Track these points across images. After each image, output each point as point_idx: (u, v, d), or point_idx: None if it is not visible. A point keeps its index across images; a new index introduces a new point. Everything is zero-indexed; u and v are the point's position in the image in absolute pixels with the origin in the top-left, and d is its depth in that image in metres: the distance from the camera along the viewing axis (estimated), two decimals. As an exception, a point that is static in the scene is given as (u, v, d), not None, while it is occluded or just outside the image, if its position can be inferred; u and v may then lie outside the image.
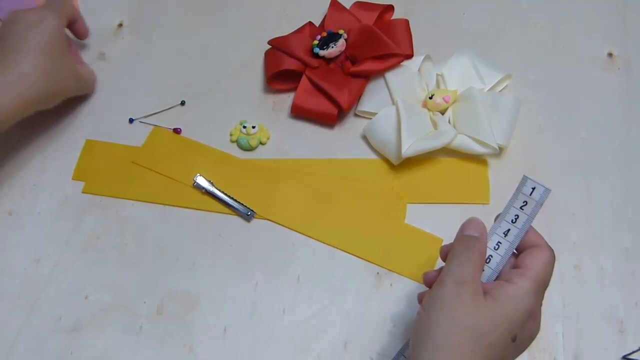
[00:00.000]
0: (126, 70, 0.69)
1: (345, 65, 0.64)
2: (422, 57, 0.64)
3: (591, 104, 0.64)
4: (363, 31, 0.64)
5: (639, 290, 0.55)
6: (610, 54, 0.67)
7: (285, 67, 0.64)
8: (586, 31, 0.69)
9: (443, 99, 0.61)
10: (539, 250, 0.43)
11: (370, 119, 0.62)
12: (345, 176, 0.61)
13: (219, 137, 0.64)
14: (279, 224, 0.59)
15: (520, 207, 0.45)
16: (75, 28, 0.67)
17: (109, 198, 0.62)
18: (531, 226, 0.45)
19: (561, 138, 0.62)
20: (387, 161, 0.62)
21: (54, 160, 0.63)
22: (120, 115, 0.66)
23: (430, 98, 0.61)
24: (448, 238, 0.47)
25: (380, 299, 0.55)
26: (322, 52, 0.64)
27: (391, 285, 0.56)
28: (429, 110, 0.62)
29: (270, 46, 0.67)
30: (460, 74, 0.63)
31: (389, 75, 0.64)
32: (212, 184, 0.61)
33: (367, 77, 0.64)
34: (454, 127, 0.60)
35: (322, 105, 0.63)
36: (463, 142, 0.59)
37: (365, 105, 0.64)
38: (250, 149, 0.63)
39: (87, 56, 0.70)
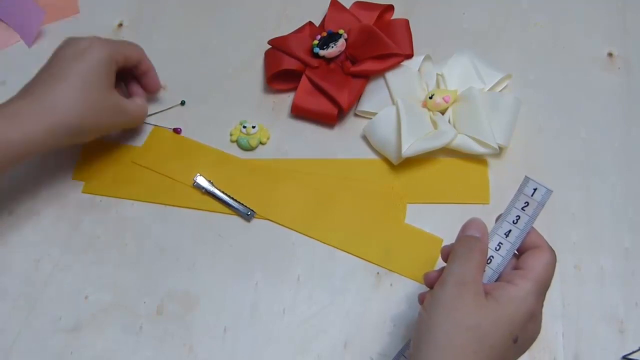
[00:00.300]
0: (126, 70, 0.69)
1: (345, 65, 0.64)
2: (422, 57, 0.64)
3: (591, 104, 0.64)
4: (363, 31, 0.64)
5: (639, 290, 0.55)
6: (610, 54, 0.67)
7: (285, 67, 0.64)
8: (586, 31, 0.69)
9: (443, 99, 0.61)
10: (541, 252, 0.43)
11: (370, 119, 0.62)
12: (345, 176, 0.61)
13: (219, 137, 0.64)
14: (279, 224, 0.59)
15: (522, 208, 0.45)
16: (144, 81, 0.64)
17: (109, 198, 0.61)
18: (532, 227, 0.45)
19: (561, 138, 0.62)
20: (387, 161, 0.62)
21: (54, 160, 0.63)
22: (120, 115, 0.66)
23: (430, 98, 0.61)
24: (448, 238, 0.47)
25: (380, 299, 0.55)
26: (322, 52, 0.64)
27: (391, 285, 0.56)
28: (429, 110, 0.62)
29: (270, 46, 0.67)
30: (460, 74, 0.63)
31: (389, 75, 0.64)
32: (212, 184, 0.61)
33: (367, 77, 0.64)
34: (454, 127, 0.60)
35: (322, 105, 0.63)
36: (463, 142, 0.59)
37: (365, 105, 0.64)
38: (250, 149, 0.63)
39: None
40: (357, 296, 0.56)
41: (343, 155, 0.63)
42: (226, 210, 0.60)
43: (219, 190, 0.60)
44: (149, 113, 0.65)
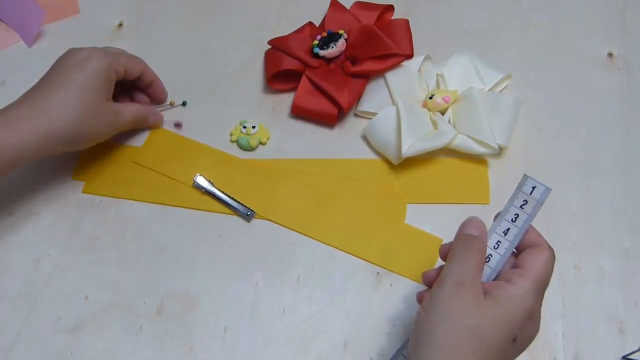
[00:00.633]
0: (126, 70, 0.69)
1: (345, 65, 0.64)
2: (422, 57, 0.64)
3: (591, 104, 0.64)
4: (363, 31, 0.64)
5: (639, 290, 0.55)
6: (610, 54, 0.67)
7: (285, 67, 0.64)
8: (586, 31, 0.69)
9: (443, 99, 0.61)
10: (539, 250, 0.43)
11: (370, 119, 0.62)
12: (345, 176, 0.61)
13: (219, 137, 0.64)
14: (279, 224, 0.59)
15: (521, 206, 0.45)
16: (150, 91, 0.65)
17: (109, 198, 0.62)
18: (531, 225, 0.45)
19: (561, 138, 0.62)
20: (387, 161, 0.62)
21: (54, 160, 0.63)
22: (120, 115, 0.66)
23: (430, 98, 0.61)
24: (448, 238, 0.46)
25: (380, 299, 0.55)
26: (322, 52, 0.64)
27: (391, 285, 0.56)
28: (429, 110, 0.62)
29: (270, 46, 0.67)
30: (460, 74, 0.63)
31: (389, 75, 0.64)
32: (212, 184, 0.61)
33: (367, 77, 0.64)
34: (454, 127, 0.60)
35: (322, 105, 0.63)
36: (463, 142, 0.59)
37: (365, 105, 0.64)
38: (250, 149, 0.63)
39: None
40: (357, 296, 0.56)
41: (343, 155, 0.63)
42: (226, 210, 0.60)
43: (219, 190, 0.60)
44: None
